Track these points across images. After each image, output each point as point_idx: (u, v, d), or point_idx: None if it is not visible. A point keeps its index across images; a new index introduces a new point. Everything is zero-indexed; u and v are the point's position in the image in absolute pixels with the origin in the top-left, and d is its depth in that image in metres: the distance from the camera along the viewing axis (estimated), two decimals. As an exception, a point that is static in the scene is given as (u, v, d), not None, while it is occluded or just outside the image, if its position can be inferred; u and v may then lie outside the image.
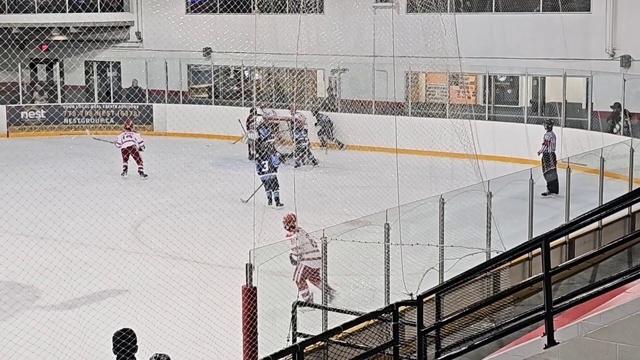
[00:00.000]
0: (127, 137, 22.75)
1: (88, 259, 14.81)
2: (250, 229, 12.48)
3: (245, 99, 28.66)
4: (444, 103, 25.93)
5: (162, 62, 29.38)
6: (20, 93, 30.18)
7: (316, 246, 12.01)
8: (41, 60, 32.26)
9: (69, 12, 29.84)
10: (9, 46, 29.00)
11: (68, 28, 30.17)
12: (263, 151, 20.14)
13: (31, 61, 32.12)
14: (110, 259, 14.72)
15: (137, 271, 13.50)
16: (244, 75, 29.53)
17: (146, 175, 22.19)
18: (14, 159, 24.29)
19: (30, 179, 19.90)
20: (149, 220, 17.80)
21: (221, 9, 29.24)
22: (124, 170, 22.53)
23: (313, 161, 23.89)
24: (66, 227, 15.97)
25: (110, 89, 31.11)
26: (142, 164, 22.48)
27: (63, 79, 31.93)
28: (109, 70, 31.69)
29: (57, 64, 31.77)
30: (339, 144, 26.16)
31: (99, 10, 30.26)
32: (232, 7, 28.35)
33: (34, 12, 29.94)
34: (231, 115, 26.33)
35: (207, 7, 29.68)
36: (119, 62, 31.36)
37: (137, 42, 30.86)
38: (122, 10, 30.86)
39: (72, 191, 19.54)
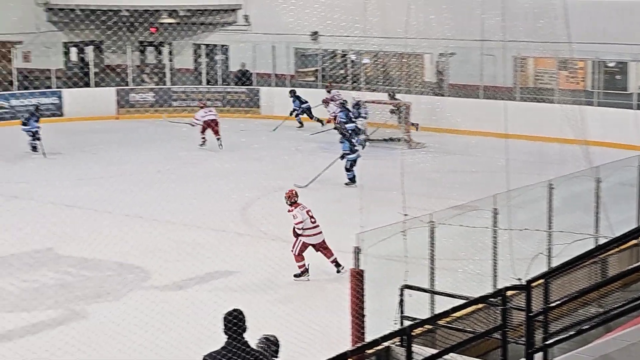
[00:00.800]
0: (208, 112, 24.00)
1: (198, 241, 14.92)
2: (357, 212, 12.42)
3: (352, 82, 28.54)
4: (552, 88, 25.33)
5: (269, 45, 29.44)
6: (129, 75, 30.78)
7: (315, 222, 13.29)
8: (150, 43, 32.80)
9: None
10: (119, 29, 29.65)
11: (177, 11, 30.54)
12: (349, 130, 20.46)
13: (140, 44, 32.68)
14: (220, 240, 14.82)
15: (244, 253, 13.59)
16: (351, 59, 29.40)
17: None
18: (125, 141, 24.83)
19: (142, 161, 20.32)
20: (258, 203, 17.85)
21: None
22: (203, 142, 23.62)
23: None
24: (171, 208, 16.19)
25: (218, 72, 31.39)
26: (219, 135, 23.51)
27: (172, 61, 32.39)
28: (217, 54, 31.97)
29: (166, 46, 32.23)
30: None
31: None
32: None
33: (144, -5, 30.40)
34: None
35: (316, -10, 29.62)
36: (227, 46, 31.59)
37: (245, 25, 31.01)
38: (231, -7, 31.07)
39: (184, 172, 19.87)
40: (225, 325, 7.43)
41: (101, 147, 23.46)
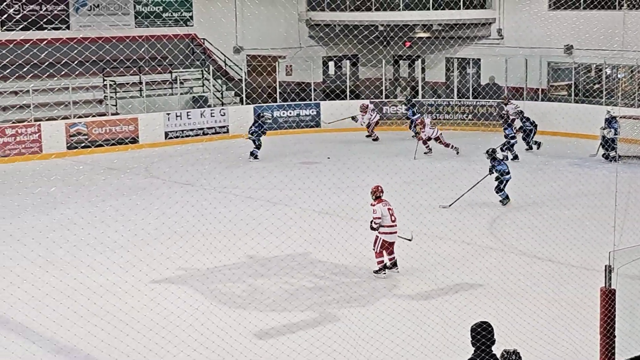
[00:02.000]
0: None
1: (444, 252, 14.91)
2: (610, 231, 11.90)
3: (606, 97, 27.50)
4: None
5: (522, 59, 28.99)
6: (383, 88, 31.30)
7: (394, 221, 13.62)
8: (404, 57, 33.20)
9: (433, 9, 30.35)
10: (375, 43, 30.27)
11: (431, 25, 30.74)
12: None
13: (395, 57, 33.17)
14: (466, 253, 14.73)
15: (492, 267, 13.40)
16: (606, 73, 28.33)
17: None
18: (375, 152, 25.28)
19: (390, 172, 20.60)
20: (504, 217, 17.61)
21: (585, 5, 28.24)
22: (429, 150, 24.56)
23: None
24: (423, 219, 16.26)
25: (469, 86, 31.27)
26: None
27: (424, 75, 32.63)
28: (469, 67, 31.85)
29: (419, 60, 32.51)
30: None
31: (462, 7, 30.47)
32: (597, 3, 27.29)
33: (399, 10, 30.84)
34: (591, 114, 25.39)
35: (570, 4, 28.77)
36: (479, 59, 31.42)
37: (497, 39, 30.73)
38: (485, 8, 30.83)
39: (429, 185, 19.94)
40: (473, 336, 7.38)
41: (354, 157, 24.02)
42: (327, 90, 31.15)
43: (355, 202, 17.61)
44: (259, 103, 29.40)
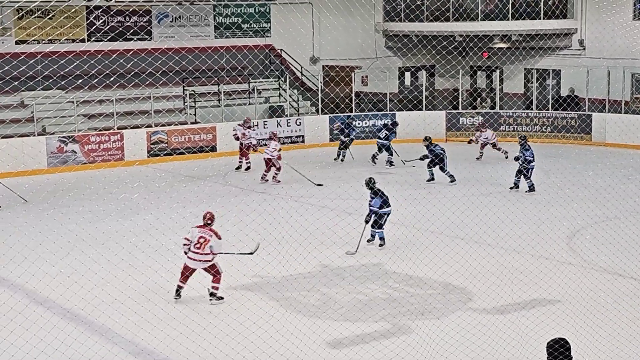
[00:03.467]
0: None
1: (521, 266, 14.75)
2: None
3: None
4: None
5: (604, 70, 28.51)
6: (460, 99, 31.11)
7: (199, 248, 13.19)
8: (482, 68, 32.97)
9: (512, 19, 30.07)
10: (453, 53, 30.13)
11: (510, 36, 30.45)
12: None
13: (471, 68, 32.96)
14: (543, 267, 14.53)
15: (571, 282, 13.20)
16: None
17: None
18: (449, 163, 25.14)
19: (467, 183, 20.45)
20: (584, 232, 17.32)
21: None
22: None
23: None
24: (500, 232, 16.09)
25: (549, 97, 30.87)
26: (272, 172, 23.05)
27: (502, 86, 32.33)
28: (549, 78, 31.45)
29: (497, 71, 32.23)
30: None
31: (542, 17, 30.13)
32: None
33: (477, 20, 30.65)
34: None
35: (656, 13, 28.30)
36: (559, 70, 31.00)
37: (579, 49, 30.27)
38: (566, 17, 30.41)
39: (507, 197, 19.74)
40: (549, 353, 7.30)
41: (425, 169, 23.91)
42: (405, 101, 31.09)
43: (432, 214, 17.53)
44: (336, 113, 29.55)
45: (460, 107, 30.94)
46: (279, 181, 22.55)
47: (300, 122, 29.08)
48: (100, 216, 18.86)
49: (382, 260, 15.19)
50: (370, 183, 16.52)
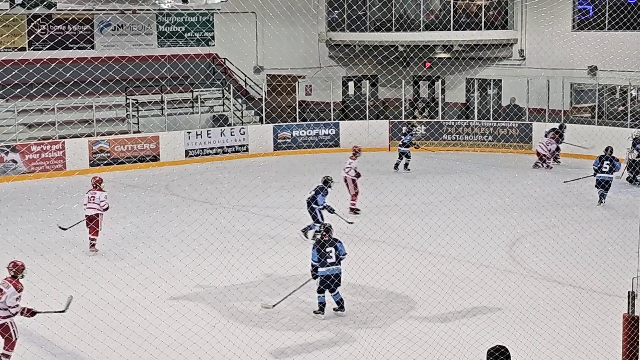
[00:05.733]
0: (90, 200, 16.90)
1: (462, 274, 14.87)
2: (633, 256, 11.81)
3: (631, 120, 27.36)
4: None
5: (544, 80, 28.94)
6: (402, 109, 31.32)
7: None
8: (424, 77, 33.23)
9: (453, 30, 30.38)
10: (395, 63, 30.34)
11: (452, 46, 30.76)
12: None
13: (414, 78, 33.21)
14: (484, 276, 14.65)
15: (511, 290, 13.33)
16: (631, 95, 28.20)
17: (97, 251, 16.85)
18: (394, 173, 25.30)
19: (411, 192, 20.57)
20: (524, 240, 17.53)
21: (609, 26, 28.16)
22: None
23: None
24: (441, 241, 16.22)
25: (489, 107, 31.23)
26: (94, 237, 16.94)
27: (444, 95, 32.63)
28: (490, 88, 31.83)
29: (439, 81, 32.53)
30: None
31: (483, 28, 30.49)
32: (622, 24, 27.24)
33: (419, 31, 30.88)
34: (615, 137, 25.22)
35: (594, 24, 28.76)
36: (500, 80, 31.38)
37: (519, 59, 30.68)
38: (507, 28, 30.80)
39: (448, 206, 19.88)
40: (488, 360, 7.33)
41: (373, 178, 23.98)
42: (347, 110, 31.22)
43: (374, 223, 17.60)
44: (279, 122, 29.55)
45: (402, 117, 31.12)
46: None
47: (244, 132, 29.01)
48: (39, 227, 18.55)
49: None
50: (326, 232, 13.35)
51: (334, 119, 30.61)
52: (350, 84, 33.82)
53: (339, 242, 13.18)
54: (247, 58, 31.20)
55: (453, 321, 12.46)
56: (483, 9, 30.58)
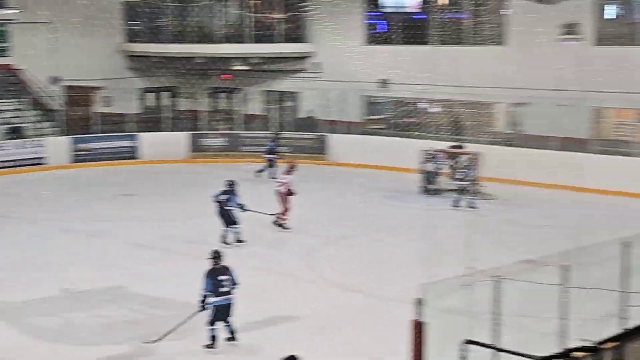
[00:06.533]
0: None
1: (260, 284, 15.01)
2: (421, 263, 12.37)
3: (420, 131, 28.53)
4: (632, 141, 24.61)
5: (339, 92, 29.67)
6: (201, 121, 31.27)
7: None
8: (222, 89, 33.32)
9: (251, 42, 30.67)
10: (193, 75, 30.27)
11: (249, 58, 31.02)
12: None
13: (213, 90, 33.24)
14: (282, 285, 14.89)
15: (308, 300, 13.62)
16: (420, 107, 29.39)
17: None
18: (194, 184, 25.22)
19: (208, 204, 20.59)
20: (321, 250, 17.92)
21: (399, 41, 29.29)
22: None
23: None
24: (239, 252, 16.35)
25: (287, 119, 31.70)
26: None
27: (243, 107, 32.80)
28: (287, 100, 32.30)
29: (238, 92, 32.70)
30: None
31: (279, 41, 30.94)
32: (410, 39, 28.36)
33: (217, 43, 30.96)
34: (407, 148, 26.24)
35: (385, 39, 29.81)
36: (297, 92, 31.92)
37: (315, 72, 31.31)
38: (302, 42, 31.41)
39: (250, 218, 20.03)
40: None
41: (173, 189, 23.90)
42: (146, 122, 30.83)
43: (172, 234, 17.51)
44: (77, 134, 28.80)
45: (202, 129, 31.08)
46: None
47: (41, 144, 28.05)
48: None
49: (123, 283, 14.95)
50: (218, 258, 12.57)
51: (132, 131, 30.13)
52: (149, 95, 33.42)
53: (231, 269, 12.35)
54: (44, 69, 30.19)
55: (252, 331, 12.56)
56: (279, 22, 31.05)
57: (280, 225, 19.22)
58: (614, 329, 10.10)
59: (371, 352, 11.41)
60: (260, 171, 26.02)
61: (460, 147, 24.63)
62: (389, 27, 29.89)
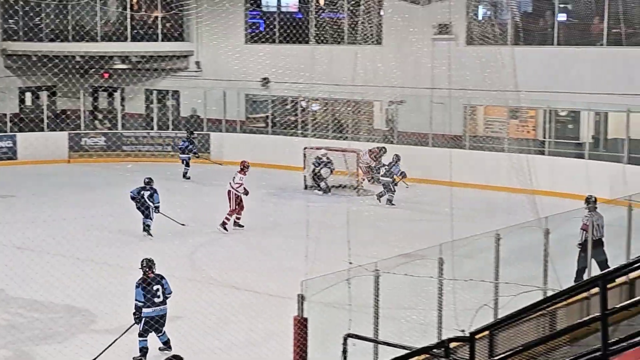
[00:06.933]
0: None
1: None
2: (302, 259, 12.53)
3: (301, 129, 28.79)
4: (502, 137, 25.55)
5: (220, 91, 29.67)
6: (81, 120, 30.75)
7: None
8: (102, 88, 32.83)
9: (130, 41, 30.34)
10: (73, 74, 29.68)
11: (129, 57, 30.69)
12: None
13: (93, 89, 32.72)
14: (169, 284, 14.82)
15: (191, 299, 13.63)
16: (301, 105, 29.67)
17: None
18: (74, 185, 24.81)
19: (89, 205, 20.32)
20: (204, 249, 17.93)
21: (279, 40, 29.49)
22: None
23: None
24: (121, 252, 16.22)
25: (169, 117, 31.50)
26: None
27: (123, 106, 32.42)
28: (168, 99, 32.10)
29: (118, 91, 32.31)
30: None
31: (160, 39, 30.73)
32: (290, 38, 28.57)
33: (96, 41, 30.50)
34: (288, 145, 26.46)
35: (265, 38, 29.94)
36: (178, 91, 31.75)
37: (196, 71, 31.23)
38: (182, 40, 31.25)
39: (130, 218, 19.87)
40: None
41: (53, 191, 23.45)
42: (24, 122, 30.11)
43: (51, 237, 17.20)
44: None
45: (82, 128, 30.56)
46: None
47: None
48: None
49: (2, 287, 14.59)
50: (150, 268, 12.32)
51: (11, 131, 29.36)
52: (28, 95, 32.58)
53: (164, 278, 12.07)
54: None
55: (133, 333, 12.46)
56: (159, 21, 30.81)
57: (240, 225, 19.57)
58: (489, 318, 10.50)
59: (256, 349, 11.51)
60: (185, 174, 26.02)
61: (384, 149, 25.04)
62: (270, 26, 30.05)
